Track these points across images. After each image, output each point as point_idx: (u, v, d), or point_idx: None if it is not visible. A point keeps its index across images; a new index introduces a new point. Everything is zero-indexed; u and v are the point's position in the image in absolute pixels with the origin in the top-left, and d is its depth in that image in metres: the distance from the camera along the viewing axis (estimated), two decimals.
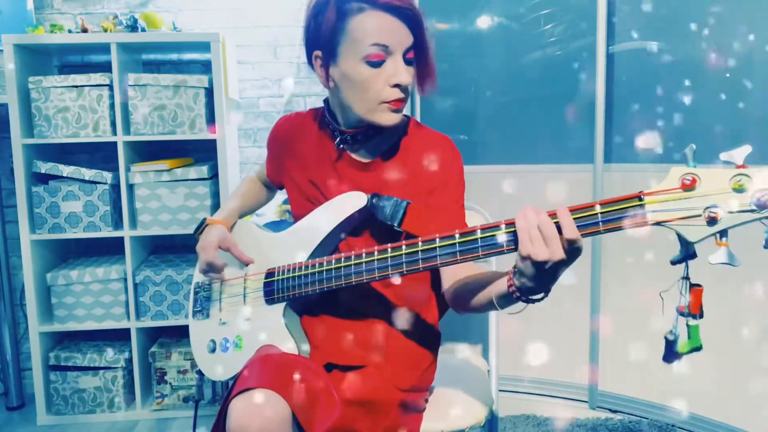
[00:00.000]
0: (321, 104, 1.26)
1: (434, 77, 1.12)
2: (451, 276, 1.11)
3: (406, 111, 2.29)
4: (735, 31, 1.90)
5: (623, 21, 2.08)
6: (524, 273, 0.86)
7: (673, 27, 2.01)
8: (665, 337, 0.90)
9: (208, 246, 1.22)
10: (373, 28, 1.03)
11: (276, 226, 1.32)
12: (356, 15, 1.03)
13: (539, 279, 0.86)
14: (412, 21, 1.05)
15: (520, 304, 0.93)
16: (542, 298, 0.91)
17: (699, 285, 0.85)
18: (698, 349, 0.89)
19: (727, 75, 1.91)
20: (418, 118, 2.32)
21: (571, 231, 0.82)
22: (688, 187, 0.78)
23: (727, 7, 1.91)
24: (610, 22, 2.08)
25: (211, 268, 1.23)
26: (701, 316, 0.86)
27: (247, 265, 1.23)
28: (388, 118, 1.08)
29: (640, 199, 0.81)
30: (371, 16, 1.03)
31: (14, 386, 2.32)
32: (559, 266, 0.84)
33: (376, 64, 1.04)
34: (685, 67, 2.00)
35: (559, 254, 0.82)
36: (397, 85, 1.05)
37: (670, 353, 0.89)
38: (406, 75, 1.05)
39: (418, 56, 1.08)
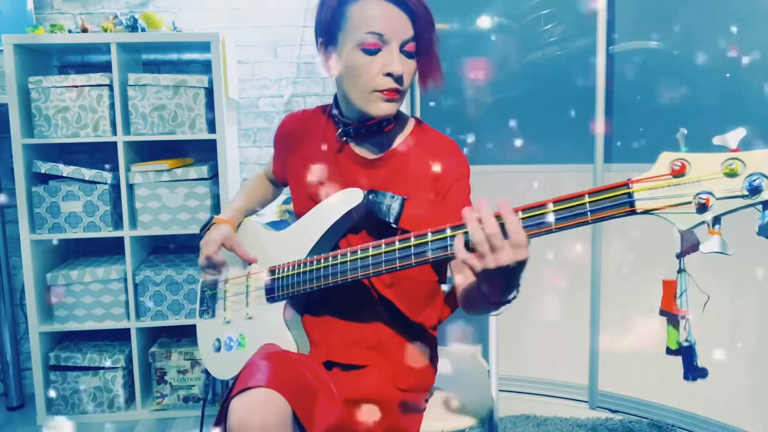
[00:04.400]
0: (321, 104, 1.27)
1: (437, 74, 1.10)
2: (457, 280, 1.09)
3: (407, 111, 2.29)
4: (735, 30, 1.90)
5: (623, 21, 2.08)
6: (485, 281, 0.87)
7: (673, 27, 2.01)
8: (681, 347, 0.84)
9: (211, 242, 1.23)
10: (370, 16, 1.03)
11: (276, 226, 1.32)
12: (356, 1, 1.04)
13: (499, 283, 0.87)
14: (414, 13, 1.04)
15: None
16: (513, 298, 0.92)
17: (672, 279, 0.82)
18: (669, 350, 0.85)
19: (727, 75, 1.91)
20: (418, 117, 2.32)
21: (517, 238, 0.81)
22: (678, 173, 0.76)
23: (727, 7, 1.91)
24: (610, 22, 2.08)
25: (209, 264, 1.23)
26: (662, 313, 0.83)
27: (250, 263, 1.23)
28: (380, 108, 1.07)
29: (628, 187, 0.79)
30: (370, 4, 1.03)
31: (14, 386, 2.32)
32: (515, 270, 0.83)
33: (370, 52, 1.04)
34: (684, 66, 2.00)
35: (507, 259, 0.81)
36: (390, 75, 1.05)
37: (691, 366, 0.84)
38: (398, 65, 1.04)
39: (419, 50, 1.07)
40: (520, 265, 0.83)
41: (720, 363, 1.94)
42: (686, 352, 0.84)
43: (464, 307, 1.08)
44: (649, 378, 2.10)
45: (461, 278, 1.09)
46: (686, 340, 0.85)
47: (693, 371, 0.84)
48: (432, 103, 2.36)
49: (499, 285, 0.88)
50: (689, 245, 0.79)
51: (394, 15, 1.03)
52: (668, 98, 2.03)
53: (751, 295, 1.87)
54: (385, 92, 1.06)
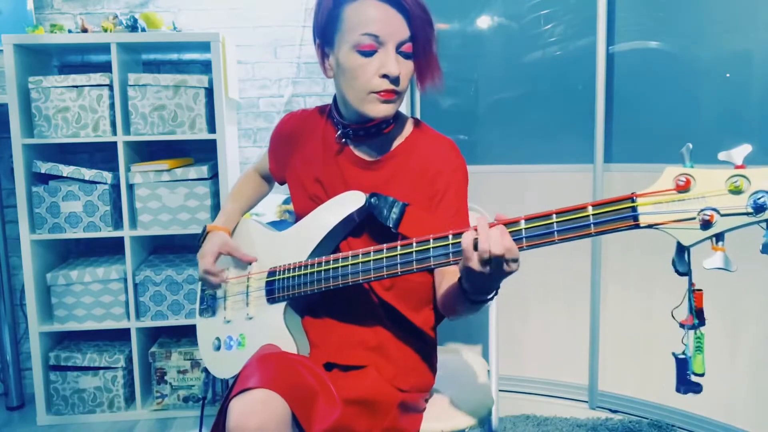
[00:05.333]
0: (321, 104, 1.26)
1: (435, 75, 1.09)
2: (439, 284, 1.11)
3: (406, 111, 2.29)
4: (735, 30, 1.90)
5: (623, 21, 2.08)
6: (470, 281, 0.91)
7: (673, 27, 2.01)
8: (677, 358, 0.84)
9: (206, 253, 1.23)
10: (365, 18, 1.02)
11: (277, 226, 1.33)
12: (352, 3, 1.03)
13: (484, 285, 0.90)
14: (409, 14, 1.03)
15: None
16: (492, 297, 0.96)
17: (699, 289, 0.82)
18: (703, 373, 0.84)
19: (728, 75, 1.91)
20: (417, 117, 2.32)
21: (496, 247, 0.84)
22: (683, 188, 0.75)
23: (727, 7, 1.91)
24: (610, 22, 2.08)
25: (208, 275, 1.23)
26: (703, 323, 0.82)
27: (250, 263, 1.23)
28: (377, 109, 1.07)
29: (633, 201, 0.79)
30: (366, 5, 1.02)
31: (14, 386, 2.32)
32: (502, 277, 0.87)
33: (366, 53, 1.03)
34: (685, 67, 2.00)
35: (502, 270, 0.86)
36: (386, 76, 1.04)
37: (685, 378, 0.83)
38: (394, 66, 1.03)
39: (417, 51, 1.06)
40: (501, 274, 0.88)
41: (720, 363, 1.94)
42: (682, 365, 0.84)
43: (443, 307, 1.09)
44: (649, 378, 2.10)
45: (443, 281, 1.10)
46: (683, 353, 0.85)
47: (686, 384, 0.85)
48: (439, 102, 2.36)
49: (483, 286, 0.91)
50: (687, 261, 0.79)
51: (389, 16, 1.02)
52: (668, 98, 2.03)
53: (751, 294, 1.87)
54: (382, 93, 1.05)
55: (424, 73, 1.09)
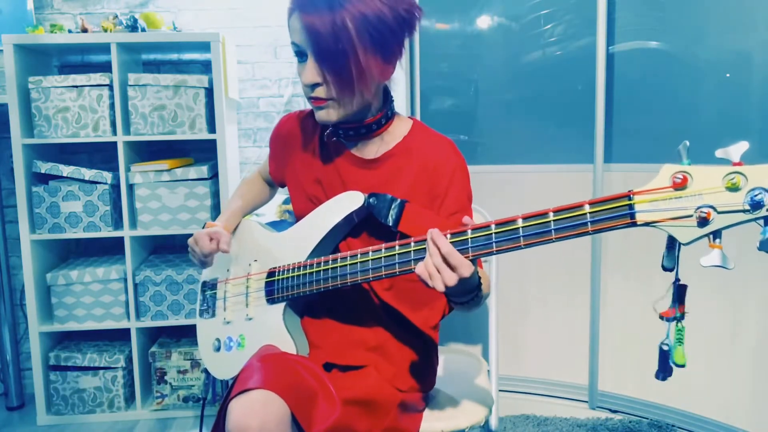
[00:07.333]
0: None
1: (339, 85, 1.04)
2: None
3: (406, 111, 2.29)
4: (735, 30, 1.90)
5: (623, 21, 2.08)
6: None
7: (673, 27, 2.01)
8: (661, 349, 0.86)
9: (198, 235, 1.24)
10: (290, 29, 1.07)
11: (276, 226, 1.33)
12: (290, 15, 1.07)
13: (453, 292, 0.92)
14: (304, 26, 1.02)
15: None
16: (469, 300, 0.98)
17: (684, 284, 0.83)
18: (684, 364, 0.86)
19: (728, 75, 1.91)
20: (417, 117, 2.32)
21: (452, 260, 0.88)
22: (679, 185, 0.76)
23: (727, 7, 1.91)
24: (610, 22, 2.08)
25: (194, 245, 1.23)
26: (682, 317, 0.84)
27: (249, 263, 1.23)
28: (316, 115, 1.10)
29: (630, 199, 0.79)
30: (292, 18, 1.06)
31: (14, 386, 2.32)
32: (461, 285, 0.90)
33: (300, 61, 1.08)
34: (685, 67, 2.00)
35: (452, 281, 0.88)
36: (306, 84, 1.07)
37: (667, 367, 0.86)
38: (306, 75, 1.05)
39: (323, 61, 1.04)
40: (464, 281, 0.89)
41: (720, 363, 1.94)
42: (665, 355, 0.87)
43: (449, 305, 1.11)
44: (649, 378, 2.10)
45: None
46: (665, 343, 0.87)
47: (667, 371, 0.87)
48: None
49: (454, 293, 0.93)
50: (677, 259, 0.80)
51: (300, 27, 1.04)
52: (668, 98, 2.03)
53: (751, 294, 1.87)
54: (312, 100, 1.09)
55: (334, 82, 1.04)
